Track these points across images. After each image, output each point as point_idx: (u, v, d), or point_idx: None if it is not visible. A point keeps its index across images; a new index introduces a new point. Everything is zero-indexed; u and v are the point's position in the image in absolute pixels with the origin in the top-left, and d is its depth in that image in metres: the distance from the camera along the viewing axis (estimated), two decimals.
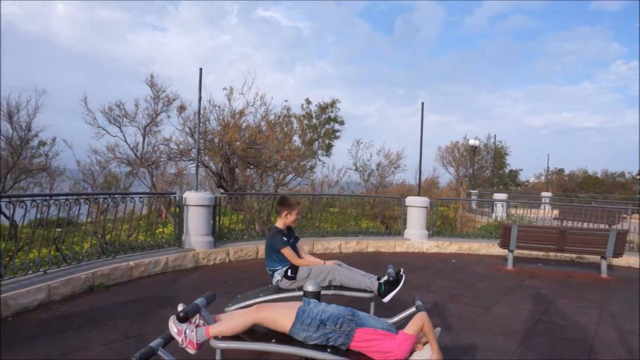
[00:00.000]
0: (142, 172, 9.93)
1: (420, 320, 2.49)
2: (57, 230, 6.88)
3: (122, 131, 9.50)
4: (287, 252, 3.69)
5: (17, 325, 3.89)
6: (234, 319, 2.52)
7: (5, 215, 5.88)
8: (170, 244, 6.87)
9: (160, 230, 7.79)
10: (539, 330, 4.31)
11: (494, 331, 4.22)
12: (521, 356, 3.62)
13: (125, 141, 9.57)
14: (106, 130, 9.45)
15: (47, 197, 5.01)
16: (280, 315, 2.47)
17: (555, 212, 15.33)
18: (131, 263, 5.72)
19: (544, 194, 22.37)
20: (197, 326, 2.48)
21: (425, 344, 2.48)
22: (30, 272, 4.76)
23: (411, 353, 2.45)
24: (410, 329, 2.47)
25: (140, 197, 6.47)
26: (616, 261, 8.00)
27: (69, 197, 5.53)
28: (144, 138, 9.63)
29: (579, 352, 3.77)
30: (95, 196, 5.99)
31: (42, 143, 10.08)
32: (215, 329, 2.45)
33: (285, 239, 3.74)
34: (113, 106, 9.32)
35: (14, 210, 4.61)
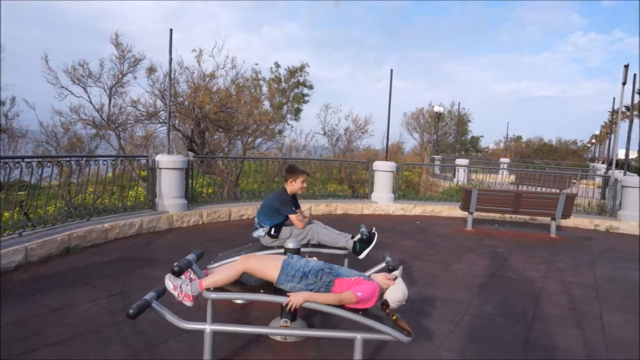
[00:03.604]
0: (108, 135, 9.72)
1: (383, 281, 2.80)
2: (21, 193, 6.78)
3: (86, 92, 9.17)
4: (294, 218, 3.95)
5: (0, 285, 3.96)
6: (224, 270, 2.73)
7: None
8: (143, 206, 6.92)
9: (131, 193, 7.78)
10: (493, 283, 4.77)
11: (454, 285, 4.64)
12: (478, 306, 4.04)
13: (90, 102, 9.28)
14: (69, 91, 9.10)
15: (19, 159, 4.95)
16: (268, 265, 2.70)
17: (512, 177, 16.17)
18: (106, 225, 5.77)
19: (502, 160, 23.40)
20: (191, 280, 2.67)
21: (395, 279, 2.79)
22: (5, 234, 4.76)
23: (383, 292, 2.77)
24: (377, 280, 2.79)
25: (113, 160, 6.44)
26: (564, 222, 8.68)
27: (39, 159, 5.47)
28: (109, 99, 9.36)
29: (527, 301, 4.23)
30: (66, 158, 5.91)
31: (1, 103, 9.64)
32: (208, 281, 2.65)
33: (293, 207, 3.97)
34: (76, 65, 8.97)
35: None
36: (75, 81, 9.02)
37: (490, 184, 13.40)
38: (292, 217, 3.95)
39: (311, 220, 4.17)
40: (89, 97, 9.23)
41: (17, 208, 6.44)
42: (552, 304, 4.20)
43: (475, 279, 4.91)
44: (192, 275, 2.74)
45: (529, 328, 3.59)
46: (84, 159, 6.58)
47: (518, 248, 6.63)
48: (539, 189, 12.38)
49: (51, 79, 8.96)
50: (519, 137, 38.96)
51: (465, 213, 8.21)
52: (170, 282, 2.62)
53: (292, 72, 18.38)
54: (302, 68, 18.40)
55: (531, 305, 4.13)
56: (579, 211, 9.60)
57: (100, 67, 9.19)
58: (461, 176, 14.95)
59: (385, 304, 2.77)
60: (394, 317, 2.75)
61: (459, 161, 17.73)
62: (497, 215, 9.06)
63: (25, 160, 5.13)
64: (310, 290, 2.66)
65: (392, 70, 9.72)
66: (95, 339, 3.01)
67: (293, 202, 4.09)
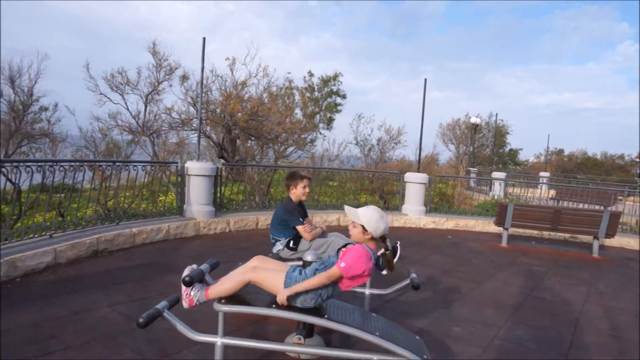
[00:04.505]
0: (143, 141, 9.96)
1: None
2: (59, 195, 7.02)
3: (124, 99, 9.46)
4: (301, 229, 3.83)
5: (26, 286, 4.03)
6: (228, 279, 2.65)
7: (10, 180, 5.98)
8: (172, 212, 6.99)
9: (162, 198, 7.91)
10: (528, 305, 4.48)
11: (485, 304, 4.38)
12: (509, 329, 3.78)
13: (127, 109, 9.55)
14: (108, 98, 9.41)
15: (53, 163, 5.09)
16: (273, 279, 2.58)
17: (553, 192, 15.46)
18: (134, 230, 5.84)
19: (542, 173, 22.49)
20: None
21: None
22: (36, 235, 4.89)
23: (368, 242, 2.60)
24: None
25: (143, 166, 6.55)
26: (608, 242, 8.16)
27: (73, 163, 5.61)
28: (145, 106, 9.60)
29: (564, 326, 3.93)
30: (99, 163, 6.07)
31: (44, 108, 10.06)
32: (213, 290, 2.60)
33: (300, 218, 3.85)
34: (115, 73, 9.26)
35: (20, 175, 4.69)
36: (114, 88, 9.31)
37: (529, 199, 12.85)
38: (298, 228, 3.83)
39: (325, 232, 4.04)
40: (126, 104, 9.51)
41: (55, 210, 6.68)
42: (591, 331, 3.88)
43: (508, 299, 4.63)
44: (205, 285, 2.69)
45: (565, 356, 3.32)
46: (117, 164, 6.72)
47: (556, 267, 6.25)
48: (581, 206, 11.75)
49: (91, 86, 9.30)
50: (561, 151, 37.37)
51: (500, 228, 7.86)
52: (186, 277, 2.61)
53: (325, 81, 18.38)
54: (335, 77, 18.36)
55: (568, 331, 3.83)
56: (625, 230, 9.02)
57: (138, 75, 9.46)
58: (497, 189, 14.42)
59: (384, 242, 2.62)
60: (387, 251, 2.60)
61: (495, 174, 17.15)
62: (534, 232, 8.63)
63: (59, 163, 5.28)
64: (320, 294, 2.53)
65: (425, 80, 9.51)
66: (109, 344, 2.99)
67: (301, 210, 3.98)
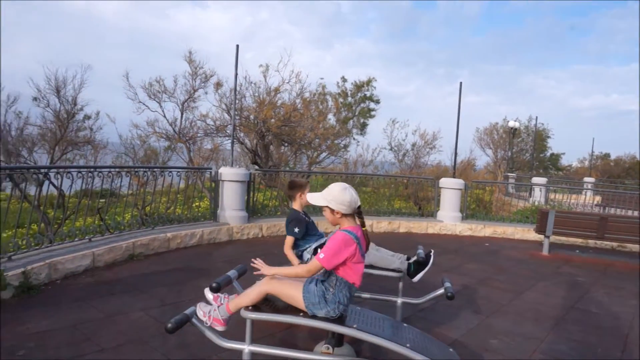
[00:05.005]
0: (179, 147, 10.21)
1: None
2: (101, 200, 7.25)
3: (161, 106, 9.76)
4: (288, 240, 3.74)
5: (65, 288, 4.17)
6: (247, 292, 2.61)
7: (54, 185, 6.22)
8: (205, 217, 7.09)
9: (197, 204, 8.05)
10: (571, 318, 4.24)
11: (525, 316, 4.18)
12: (551, 343, 3.58)
13: (164, 116, 9.85)
14: (146, 106, 9.74)
15: (92, 169, 5.27)
16: (289, 289, 2.52)
17: (598, 198, 14.74)
18: (169, 234, 5.96)
19: (586, 179, 21.52)
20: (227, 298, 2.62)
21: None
22: (76, 239, 5.06)
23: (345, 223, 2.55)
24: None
25: (178, 172, 6.69)
26: None
27: (112, 169, 5.79)
28: (182, 114, 9.86)
29: (612, 342, 3.69)
30: (136, 169, 6.25)
31: (87, 117, 10.51)
32: (232, 304, 2.58)
33: (297, 229, 3.74)
34: (153, 82, 9.57)
35: (62, 180, 4.87)
36: (152, 96, 9.62)
37: (572, 206, 12.29)
38: (288, 237, 3.72)
39: None
40: (163, 111, 9.80)
41: (95, 215, 6.90)
42: None
43: (550, 311, 4.40)
44: (231, 295, 2.67)
45: None
46: (154, 170, 6.89)
47: (603, 278, 5.91)
48: (629, 213, 11.13)
49: (131, 94, 9.63)
50: (607, 155, 35.62)
51: (541, 236, 7.53)
52: (200, 310, 2.63)
53: (359, 87, 18.29)
54: (368, 82, 18.25)
55: (617, 347, 3.59)
56: None
57: (174, 83, 9.73)
58: (538, 195, 13.88)
59: (360, 217, 2.57)
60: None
61: (535, 179, 16.53)
62: (578, 240, 8.22)
63: (99, 170, 5.46)
64: (339, 300, 2.45)
65: (461, 83, 9.30)
66: (141, 348, 3.02)
67: (307, 219, 3.87)
